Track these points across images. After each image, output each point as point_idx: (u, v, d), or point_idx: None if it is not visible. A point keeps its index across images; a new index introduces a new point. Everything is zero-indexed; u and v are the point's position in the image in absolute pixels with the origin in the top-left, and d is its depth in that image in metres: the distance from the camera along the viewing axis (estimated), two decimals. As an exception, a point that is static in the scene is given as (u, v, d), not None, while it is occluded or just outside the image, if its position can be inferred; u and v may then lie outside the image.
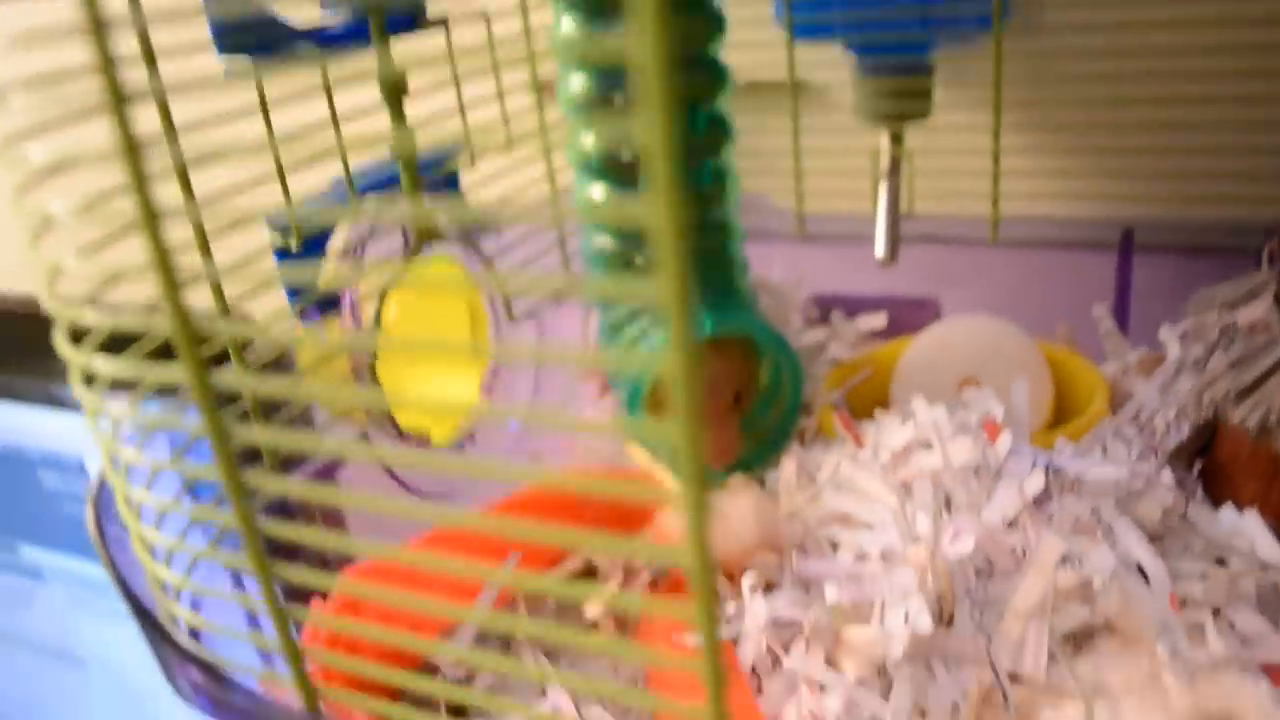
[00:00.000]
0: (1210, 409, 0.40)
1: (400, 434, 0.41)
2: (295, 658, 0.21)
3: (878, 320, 0.53)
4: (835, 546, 0.35)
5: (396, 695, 0.33)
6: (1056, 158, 0.51)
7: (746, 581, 0.34)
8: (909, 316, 0.50)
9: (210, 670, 0.23)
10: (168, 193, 0.20)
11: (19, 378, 0.62)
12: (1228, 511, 0.32)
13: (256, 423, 0.36)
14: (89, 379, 0.24)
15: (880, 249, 0.49)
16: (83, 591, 0.68)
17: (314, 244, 0.37)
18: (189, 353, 0.20)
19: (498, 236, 0.47)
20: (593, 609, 0.35)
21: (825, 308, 0.55)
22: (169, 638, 0.24)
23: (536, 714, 0.30)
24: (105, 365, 0.22)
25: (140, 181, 0.19)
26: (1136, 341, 0.47)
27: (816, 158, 0.54)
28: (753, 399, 0.40)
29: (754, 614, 0.32)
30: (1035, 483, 0.33)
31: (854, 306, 0.54)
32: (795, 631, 0.32)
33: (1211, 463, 0.37)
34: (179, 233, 0.21)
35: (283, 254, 0.37)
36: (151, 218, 0.19)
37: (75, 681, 0.71)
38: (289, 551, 0.22)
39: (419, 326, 0.42)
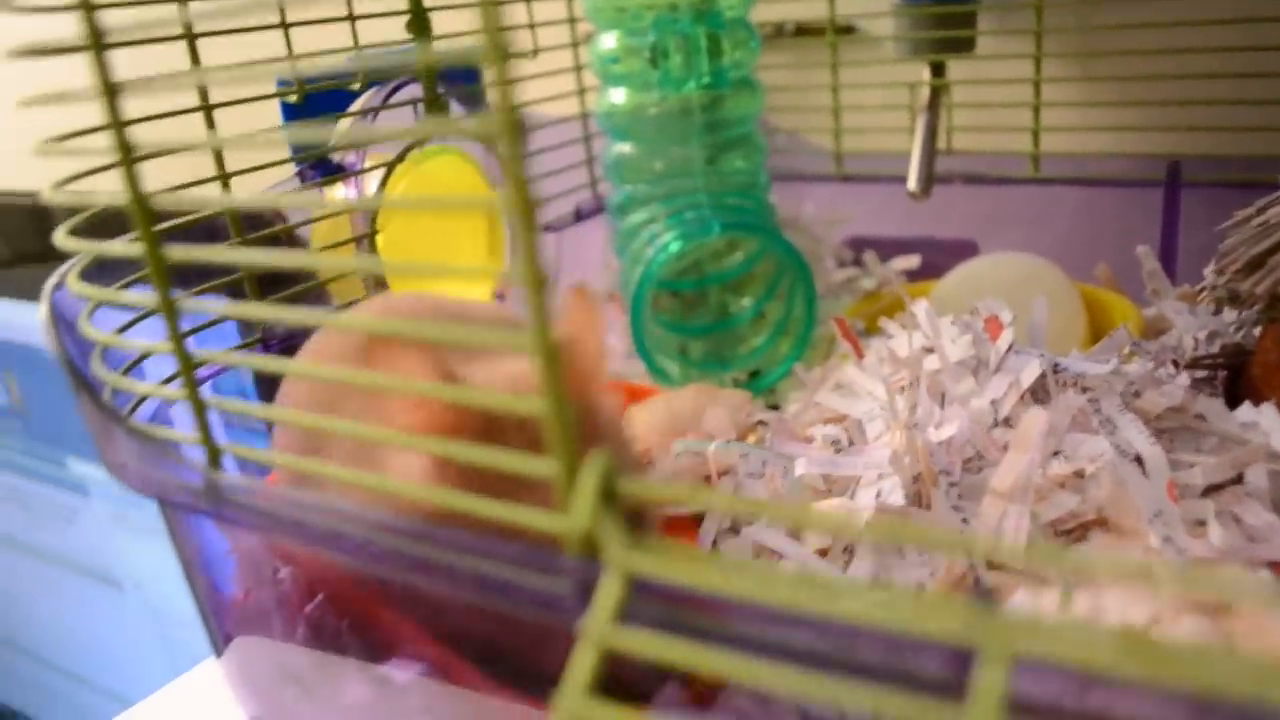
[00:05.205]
0: (1244, 330, 0.37)
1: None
2: (199, 409, 0.21)
3: (911, 261, 0.51)
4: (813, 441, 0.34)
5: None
6: (1100, 87, 0.48)
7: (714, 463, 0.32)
8: (947, 259, 0.48)
9: (141, 435, 0.23)
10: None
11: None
12: (1245, 409, 0.29)
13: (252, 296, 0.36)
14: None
15: (913, 182, 0.47)
16: (125, 509, 0.70)
17: (321, 101, 0.38)
18: (143, 227, 0.20)
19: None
20: None
21: (860, 249, 0.53)
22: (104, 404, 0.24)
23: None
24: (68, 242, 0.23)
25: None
26: (1186, 281, 0.43)
27: (857, 96, 0.52)
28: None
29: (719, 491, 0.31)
30: (1031, 373, 0.31)
31: (890, 249, 0.52)
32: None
33: (1243, 382, 0.34)
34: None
35: (289, 110, 0.37)
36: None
37: (112, 603, 0.73)
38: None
39: (429, 217, 0.42)
